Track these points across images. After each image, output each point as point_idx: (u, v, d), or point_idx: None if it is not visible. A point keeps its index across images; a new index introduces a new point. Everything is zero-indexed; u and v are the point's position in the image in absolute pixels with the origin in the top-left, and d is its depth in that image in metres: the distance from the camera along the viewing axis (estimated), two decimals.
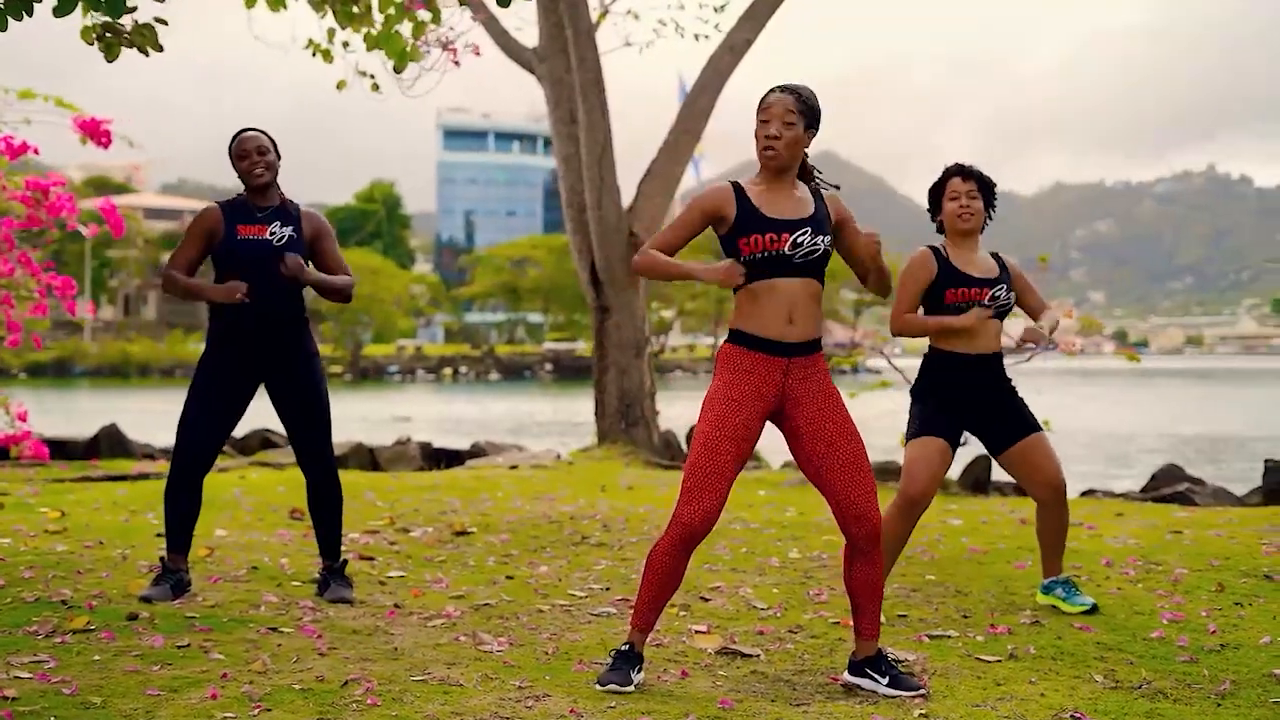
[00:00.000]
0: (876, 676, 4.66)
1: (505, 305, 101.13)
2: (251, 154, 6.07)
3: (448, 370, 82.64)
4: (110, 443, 13.54)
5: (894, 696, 4.56)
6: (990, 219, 6.09)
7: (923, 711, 4.31)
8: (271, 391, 6.20)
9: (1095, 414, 38.35)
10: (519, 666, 4.87)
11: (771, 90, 4.72)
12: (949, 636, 5.49)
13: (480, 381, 77.01)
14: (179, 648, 5.04)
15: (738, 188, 4.71)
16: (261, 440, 14.65)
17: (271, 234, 6.03)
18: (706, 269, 4.63)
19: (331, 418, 6.32)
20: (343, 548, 7.33)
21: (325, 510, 6.33)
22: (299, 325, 6.17)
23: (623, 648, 4.69)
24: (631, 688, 4.56)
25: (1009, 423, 6.02)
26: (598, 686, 4.56)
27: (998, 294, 5.93)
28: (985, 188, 6.01)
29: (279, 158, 6.17)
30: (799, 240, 4.60)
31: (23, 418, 11.77)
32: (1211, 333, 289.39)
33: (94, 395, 49.49)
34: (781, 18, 14.07)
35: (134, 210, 79.91)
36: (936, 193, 6.12)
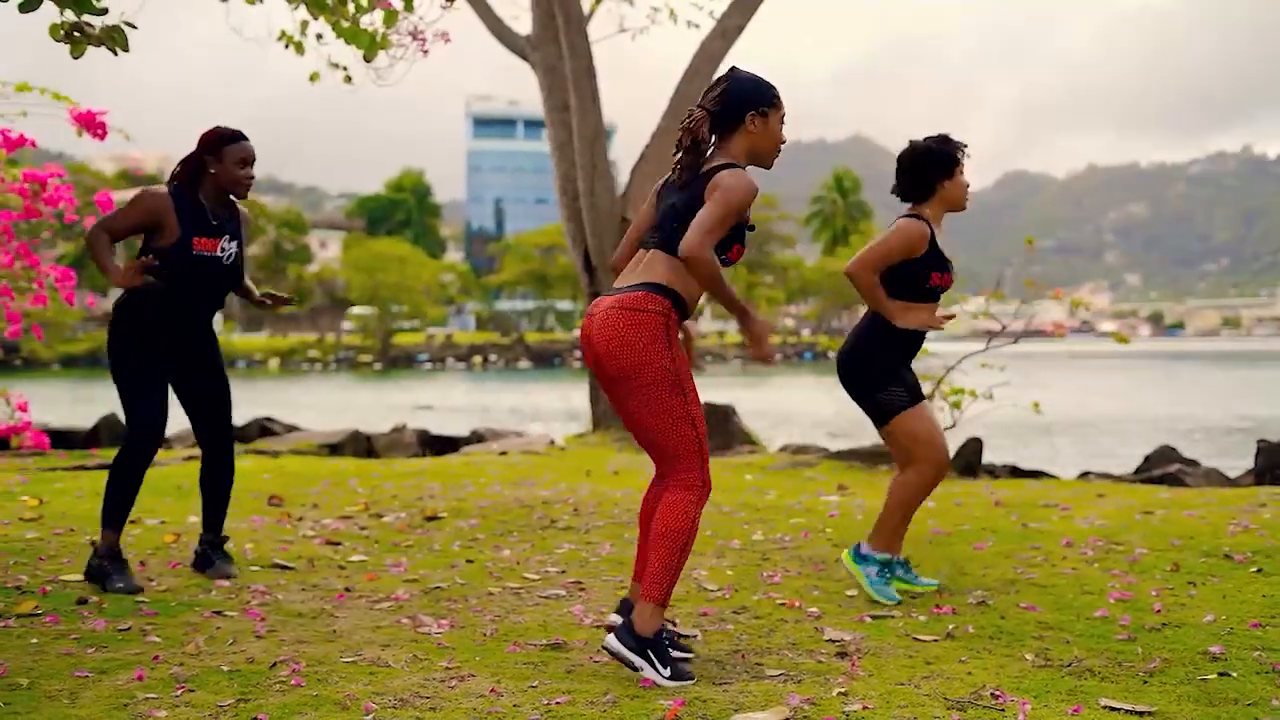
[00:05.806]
0: (617, 629, 4.60)
1: (534, 293, 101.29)
2: (250, 165, 6.09)
3: (478, 358, 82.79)
4: (110, 432, 13.63)
5: (610, 649, 4.53)
6: None
7: (843, 690, 4.30)
8: (181, 369, 6.27)
9: (1127, 398, 38.20)
10: (452, 648, 4.90)
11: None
12: (891, 617, 5.50)
13: (510, 369, 77.11)
14: (120, 631, 5.09)
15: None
16: (260, 429, 14.73)
17: (222, 250, 6.10)
18: None
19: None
20: (311, 534, 7.44)
21: (223, 484, 6.47)
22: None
23: (663, 639, 4.55)
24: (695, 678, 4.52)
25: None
26: (672, 683, 4.43)
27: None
28: None
29: None
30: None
31: (23, 408, 11.87)
32: (1249, 314, 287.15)
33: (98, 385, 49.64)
34: (773, 3, 14.05)
35: None
36: (944, 166, 5.79)
